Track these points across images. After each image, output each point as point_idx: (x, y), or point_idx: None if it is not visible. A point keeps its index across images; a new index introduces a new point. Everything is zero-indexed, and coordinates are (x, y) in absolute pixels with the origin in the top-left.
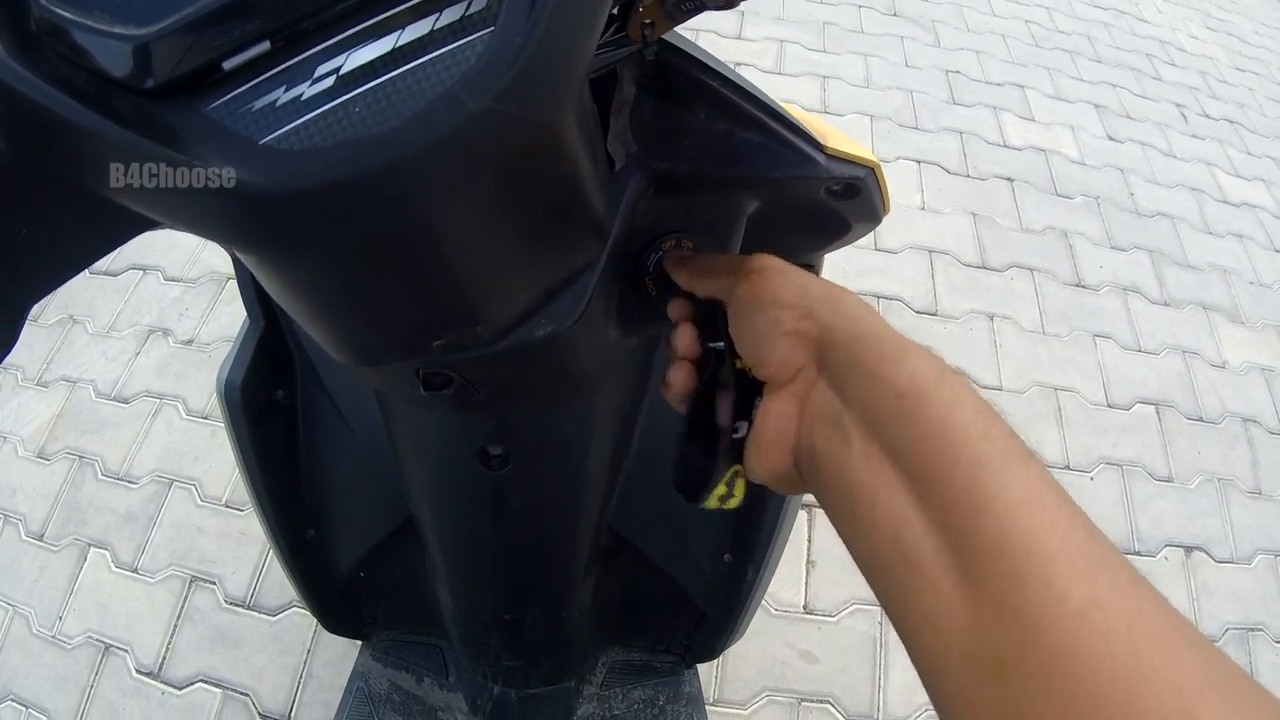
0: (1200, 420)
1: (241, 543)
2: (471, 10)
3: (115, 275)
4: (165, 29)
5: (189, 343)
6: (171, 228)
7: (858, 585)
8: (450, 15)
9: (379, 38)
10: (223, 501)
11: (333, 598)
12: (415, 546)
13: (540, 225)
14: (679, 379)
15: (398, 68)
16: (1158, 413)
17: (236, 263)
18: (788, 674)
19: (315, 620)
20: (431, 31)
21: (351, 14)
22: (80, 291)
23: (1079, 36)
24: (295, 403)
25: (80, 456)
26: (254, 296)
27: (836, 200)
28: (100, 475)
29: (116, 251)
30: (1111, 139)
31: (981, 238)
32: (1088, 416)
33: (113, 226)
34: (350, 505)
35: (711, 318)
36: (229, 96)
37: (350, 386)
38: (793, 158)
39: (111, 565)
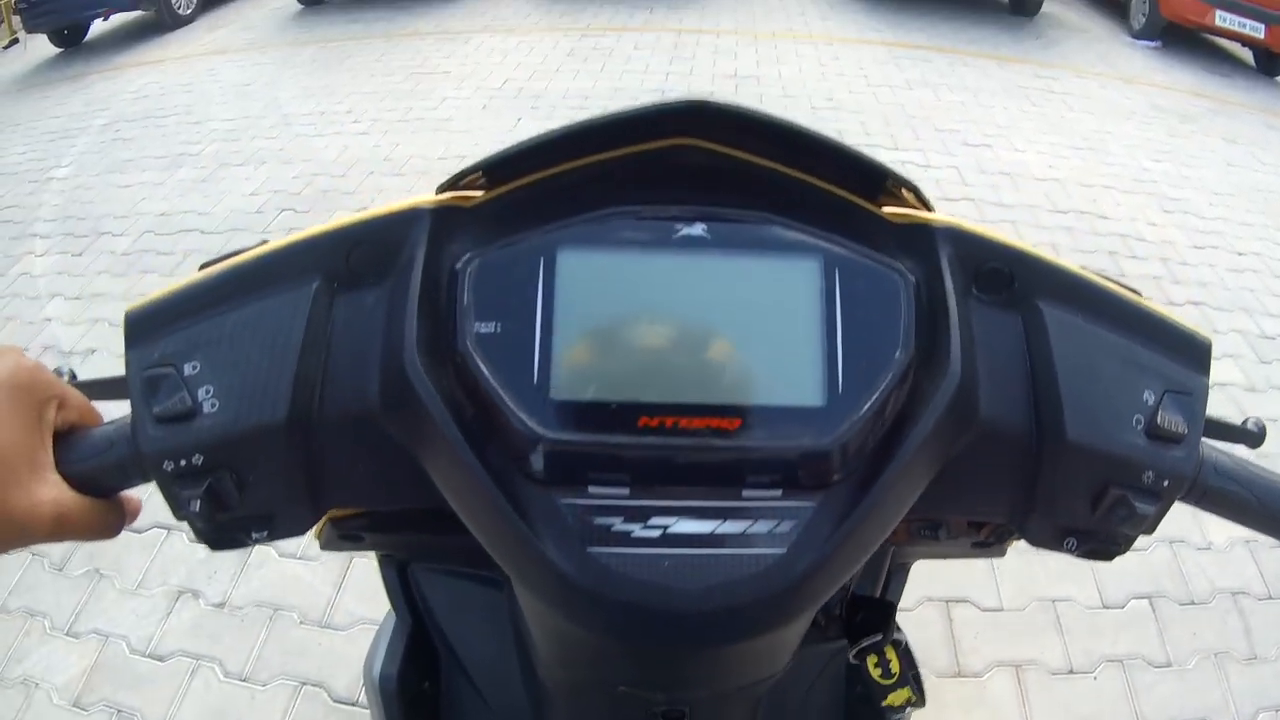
0: (1192, 603)
1: None
2: (776, 530)
3: (140, 532)
4: (560, 442)
5: (220, 605)
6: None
7: None
8: (760, 527)
9: (705, 519)
10: None
11: None
12: None
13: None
14: None
15: (704, 549)
16: (1151, 604)
17: (383, 563)
18: None
19: None
20: (742, 533)
21: (700, 490)
22: (105, 547)
23: (1045, 247)
24: (439, 690)
25: (119, 710)
26: (401, 595)
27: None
28: None
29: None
30: None
31: None
32: (1086, 621)
33: (419, 490)
34: None
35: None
36: (582, 502)
37: (493, 671)
38: None
39: None
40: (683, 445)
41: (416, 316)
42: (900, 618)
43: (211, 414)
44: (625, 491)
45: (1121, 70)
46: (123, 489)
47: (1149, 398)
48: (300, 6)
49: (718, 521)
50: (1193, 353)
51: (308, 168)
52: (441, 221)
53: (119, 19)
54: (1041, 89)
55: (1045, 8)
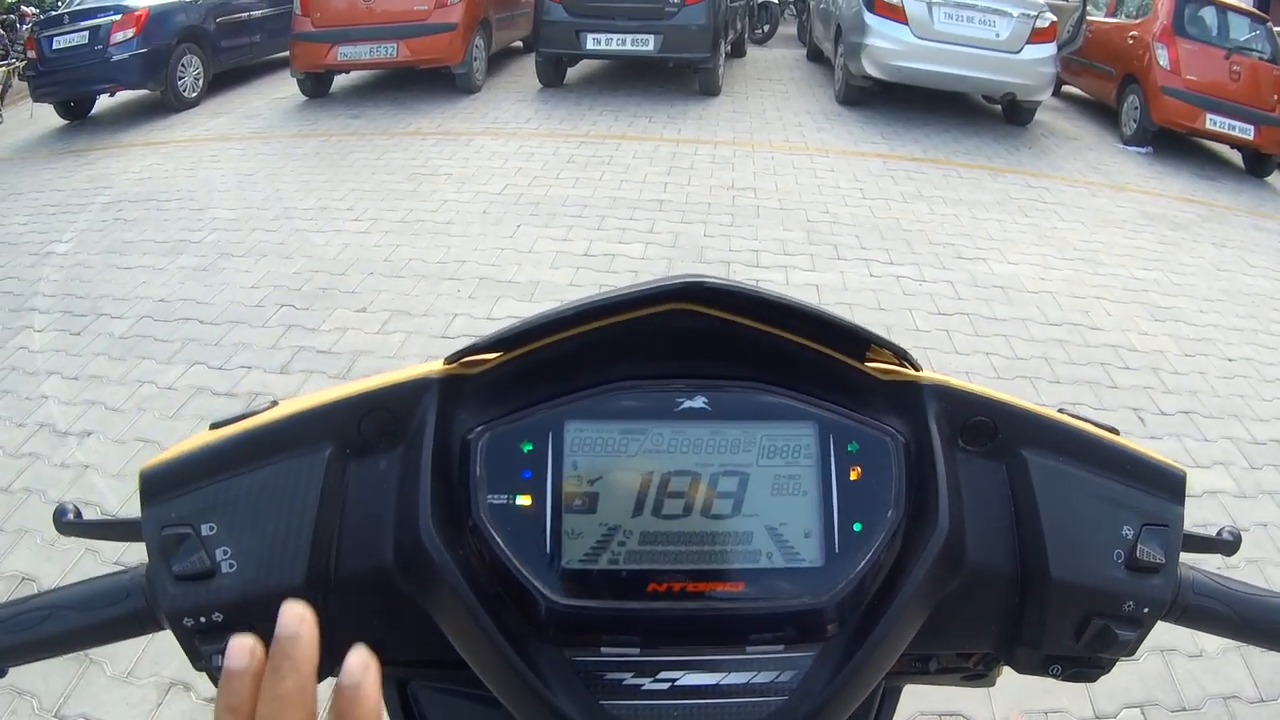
0: (1184, 710)
1: None
2: (779, 679)
3: None
4: (573, 608)
5: (212, 700)
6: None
7: None
8: (764, 677)
9: (711, 672)
10: None
11: None
12: None
13: None
14: None
15: (711, 699)
16: (1143, 713)
17: (382, 679)
18: None
19: None
20: (746, 683)
21: (704, 645)
22: None
23: (1038, 360)
24: None
25: None
26: (400, 712)
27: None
28: None
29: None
30: None
31: None
32: None
33: (434, 642)
34: None
35: None
36: (593, 659)
37: None
38: None
39: None
40: (690, 608)
41: (430, 486)
42: None
43: (230, 574)
44: (636, 651)
45: (1113, 178)
46: (135, 636)
47: (1128, 532)
48: (304, 98)
49: (723, 674)
50: (1168, 485)
51: (308, 264)
52: (449, 390)
53: (125, 96)
54: (1034, 199)
55: (1038, 115)
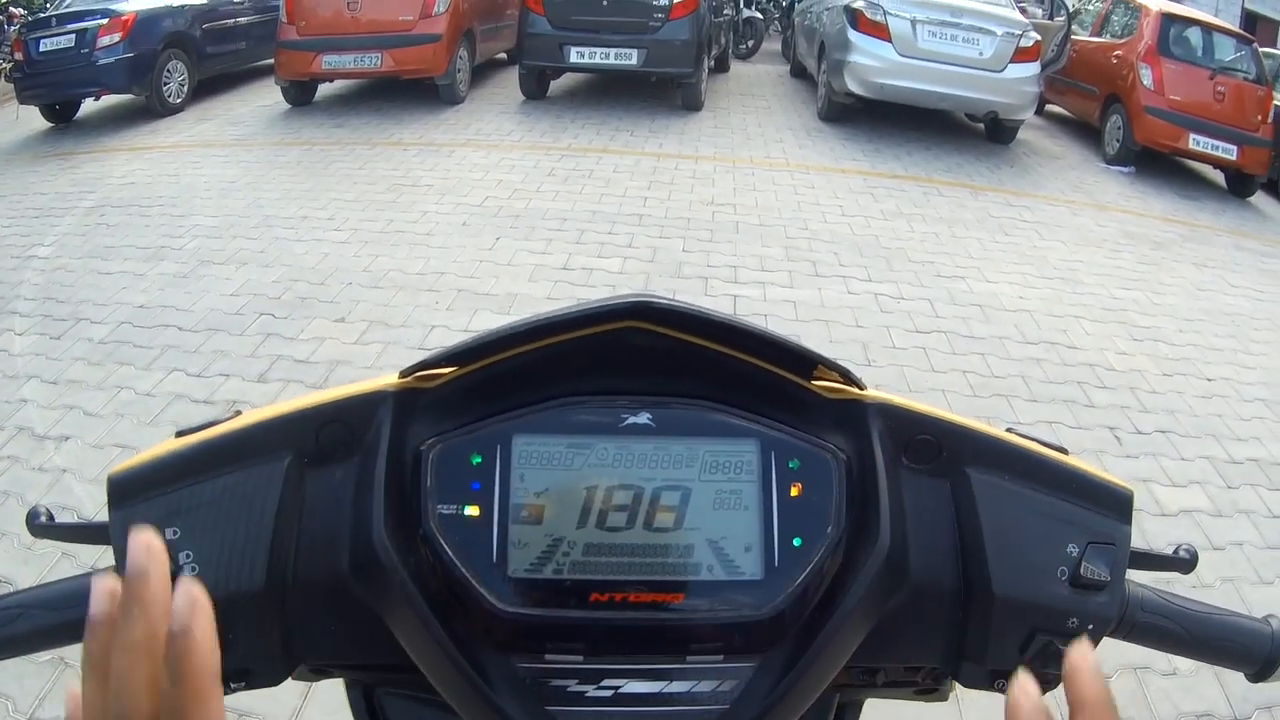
0: None
1: None
2: (719, 689)
3: None
4: (519, 616)
5: None
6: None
7: None
8: (704, 686)
9: (653, 680)
10: None
11: None
12: None
13: None
14: None
15: (654, 707)
16: None
17: (349, 686)
18: None
19: None
20: (687, 692)
21: (647, 655)
22: None
23: (1015, 379)
24: None
25: None
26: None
27: None
28: None
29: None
30: None
31: None
32: None
33: (389, 647)
34: None
35: None
36: (540, 666)
37: None
38: None
39: None
40: (631, 618)
41: (383, 496)
42: None
43: (191, 578)
44: (579, 658)
45: (1094, 197)
46: None
47: (1072, 550)
48: (288, 105)
49: (665, 682)
50: (1115, 504)
51: (287, 273)
52: (404, 403)
53: (110, 100)
54: (1014, 218)
55: (1021, 134)
